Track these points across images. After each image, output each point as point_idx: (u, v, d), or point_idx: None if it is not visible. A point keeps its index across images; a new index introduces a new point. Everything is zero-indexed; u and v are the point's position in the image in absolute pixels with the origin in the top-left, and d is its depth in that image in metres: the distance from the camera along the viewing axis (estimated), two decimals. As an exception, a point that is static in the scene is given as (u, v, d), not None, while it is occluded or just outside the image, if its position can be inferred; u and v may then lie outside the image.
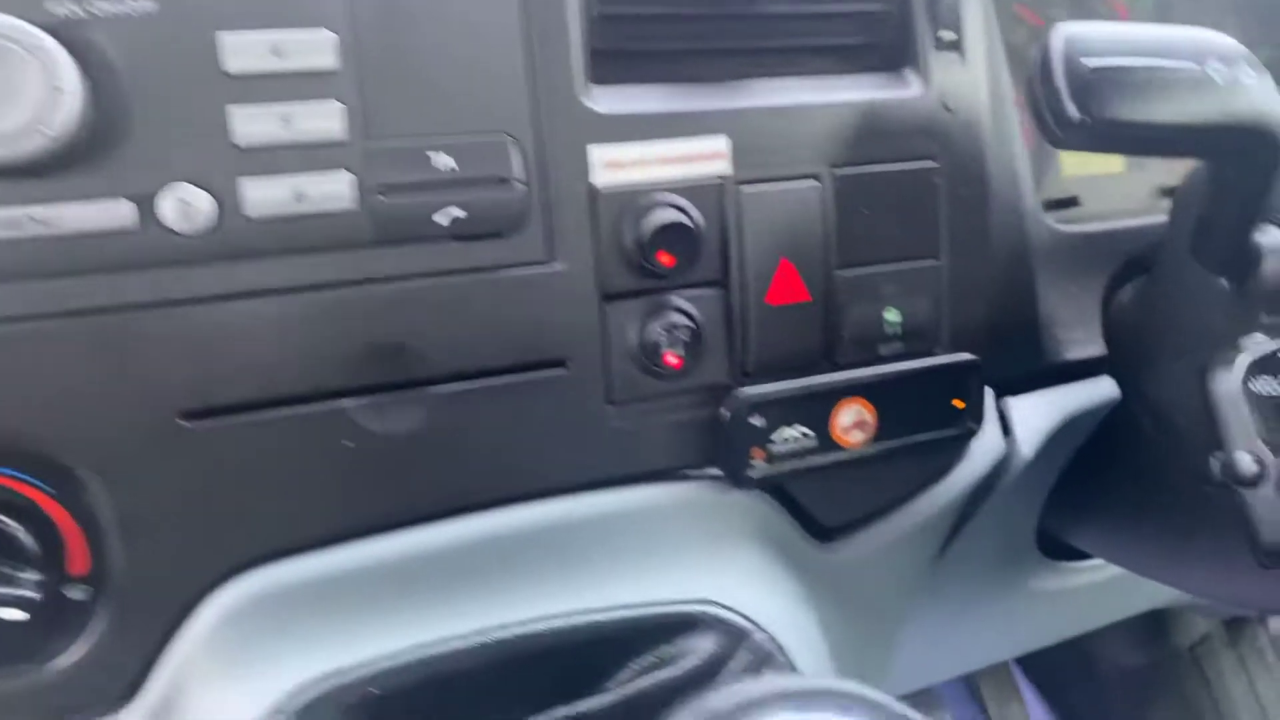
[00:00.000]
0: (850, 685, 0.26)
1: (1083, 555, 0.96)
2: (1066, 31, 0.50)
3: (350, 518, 0.50)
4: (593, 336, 0.52)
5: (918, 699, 1.53)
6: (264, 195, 0.46)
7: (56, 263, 0.44)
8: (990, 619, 1.04)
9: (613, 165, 0.52)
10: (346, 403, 0.49)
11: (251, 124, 0.45)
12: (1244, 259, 0.59)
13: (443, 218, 0.49)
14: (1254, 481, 0.50)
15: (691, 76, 0.55)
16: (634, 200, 0.52)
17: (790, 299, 0.56)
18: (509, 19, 0.49)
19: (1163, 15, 0.88)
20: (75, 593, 0.48)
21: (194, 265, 0.45)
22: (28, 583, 0.45)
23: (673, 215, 0.52)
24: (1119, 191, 0.83)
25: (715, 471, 0.57)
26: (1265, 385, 0.50)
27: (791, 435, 0.56)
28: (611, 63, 0.52)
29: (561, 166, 0.51)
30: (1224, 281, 0.61)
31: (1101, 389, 0.71)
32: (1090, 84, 0.49)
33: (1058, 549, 0.94)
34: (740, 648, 0.51)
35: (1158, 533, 0.72)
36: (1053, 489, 0.82)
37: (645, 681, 0.51)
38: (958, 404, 0.60)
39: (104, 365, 0.45)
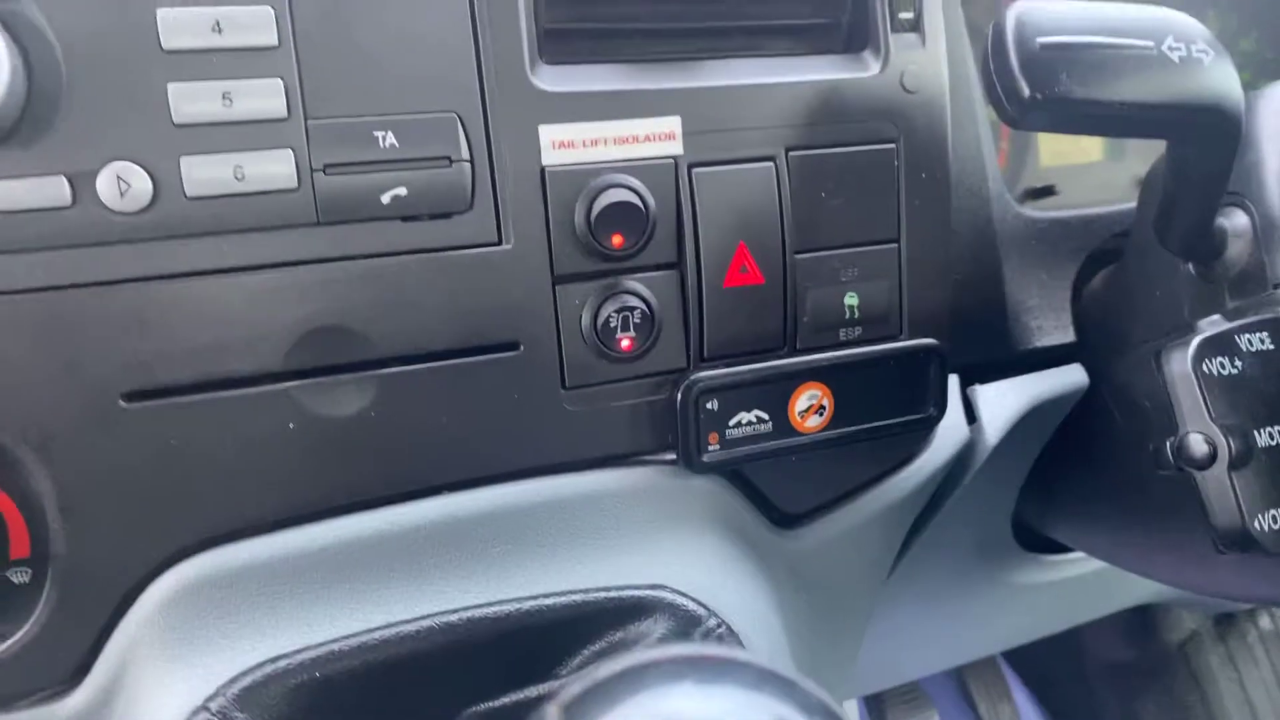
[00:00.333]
0: (757, 659, 0.25)
1: (1063, 548, 0.95)
2: (1019, 9, 0.50)
3: (296, 501, 0.49)
4: (545, 319, 0.52)
5: (907, 697, 1.53)
6: (204, 174, 0.45)
7: (-9, 240, 0.43)
8: (970, 612, 1.03)
9: (563, 145, 0.51)
10: (290, 384, 0.48)
11: (191, 102, 0.45)
12: (1207, 242, 0.58)
13: (388, 197, 0.48)
14: (1206, 464, 0.49)
15: (644, 56, 0.54)
16: (584, 180, 0.51)
17: (747, 282, 0.55)
18: None
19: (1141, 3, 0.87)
20: (16, 576, 0.47)
21: (133, 244, 0.45)
22: (-36, 566, 0.44)
23: (623, 195, 0.51)
24: (1097, 180, 0.82)
25: (671, 456, 0.56)
26: (1217, 366, 0.50)
27: (747, 420, 0.55)
28: (562, 41, 0.52)
29: (510, 146, 0.50)
30: (1189, 267, 0.61)
31: (1071, 377, 0.70)
32: (1042, 61, 0.49)
33: (1036, 541, 0.93)
34: (693, 632, 0.51)
35: (1127, 522, 0.72)
36: (1027, 480, 0.81)
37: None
38: (919, 390, 0.60)
39: (42, 345, 0.44)
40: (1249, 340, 0.50)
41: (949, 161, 0.60)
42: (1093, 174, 0.82)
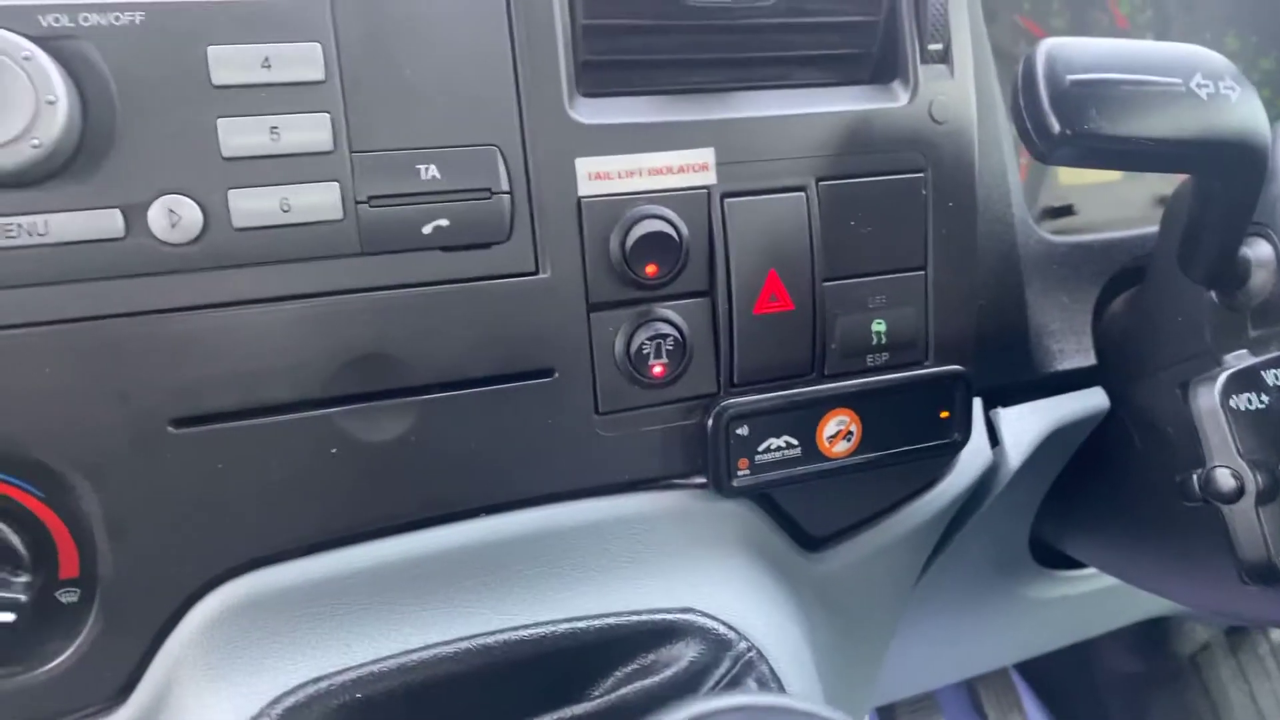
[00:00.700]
0: (805, 703, 0.26)
1: (1078, 563, 0.96)
2: (1049, 46, 0.51)
3: (337, 524, 0.50)
4: (580, 346, 0.53)
5: (917, 705, 1.53)
6: (251, 206, 0.46)
7: (46, 272, 0.44)
8: (987, 625, 1.04)
9: (599, 176, 0.52)
10: (333, 410, 0.49)
11: (239, 135, 0.46)
12: (1230, 272, 0.59)
13: (429, 228, 0.49)
14: (1233, 498, 0.50)
15: (678, 87, 0.55)
16: (620, 211, 0.52)
17: (777, 309, 0.56)
18: (497, 31, 0.50)
19: (1163, 27, 0.88)
20: (65, 596, 0.48)
21: (182, 275, 0.46)
22: (18, 585, 0.46)
23: (658, 226, 0.52)
24: (1115, 200, 0.83)
25: (701, 480, 0.57)
26: (1243, 401, 0.51)
27: (777, 445, 0.56)
28: (598, 74, 0.53)
29: (548, 177, 0.51)
30: (1211, 294, 0.62)
31: (1092, 400, 0.71)
32: (1072, 98, 0.50)
33: (1052, 557, 0.94)
34: (723, 656, 0.52)
35: (1145, 543, 0.73)
36: (1045, 497, 0.82)
37: (628, 690, 0.51)
38: (944, 415, 0.60)
39: (94, 373, 0.45)
40: (1275, 375, 0.51)
41: (976, 190, 0.61)
42: (1110, 194, 0.83)
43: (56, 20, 0.43)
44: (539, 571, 0.54)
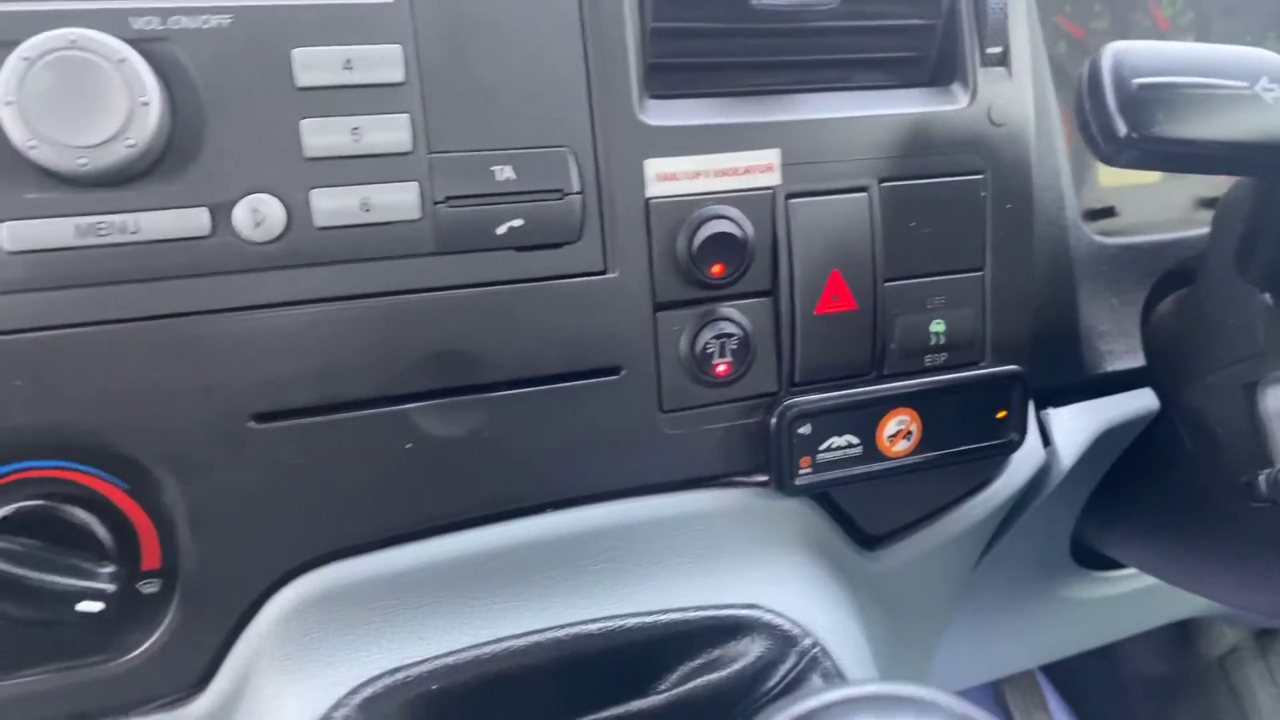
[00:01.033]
0: (927, 690, 0.26)
1: (1116, 564, 0.96)
2: (1115, 49, 0.51)
3: (410, 518, 0.51)
4: (645, 345, 0.54)
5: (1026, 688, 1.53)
6: (333, 205, 0.47)
7: (135, 269, 0.45)
8: (1023, 626, 1.04)
9: (666, 177, 0.53)
10: (409, 407, 0.50)
11: (322, 136, 0.47)
12: None
13: (503, 228, 0.50)
14: (1303, 497, 0.50)
15: (742, 89, 0.56)
16: (686, 211, 0.53)
17: (838, 309, 0.57)
18: (569, 34, 0.50)
19: (1204, 29, 0.88)
20: (147, 587, 0.49)
21: (264, 272, 0.47)
22: (104, 576, 0.47)
23: (724, 226, 0.53)
24: (1156, 202, 0.83)
25: (763, 478, 0.58)
26: (1313, 402, 0.51)
27: (838, 444, 0.57)
28: (665, 76, 0.54)
29: (617, 178, 0.52)
30: (1266, 296, 0.62)
31: (1141, 401, 0.71)
32: (1139, 101, 0.50)
33: (1091, 558, 0.94)
34: (789, 652, 0.52)
35: (1193, 544, 0.73)
36: (1089, 499, 0.82)
37: (695, 684, 0.52)
38: (1001, 415, 0.61)
39: (179, 368, 0.46)
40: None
41: (1033, 192, 0.62)
42: (1151, 196, 0.83)
43: (148, 23, 0.44)
44: (605, 567, 0.55)
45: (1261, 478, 0.52)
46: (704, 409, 0.55)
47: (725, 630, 0.53)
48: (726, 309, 0.55)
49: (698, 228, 0.53)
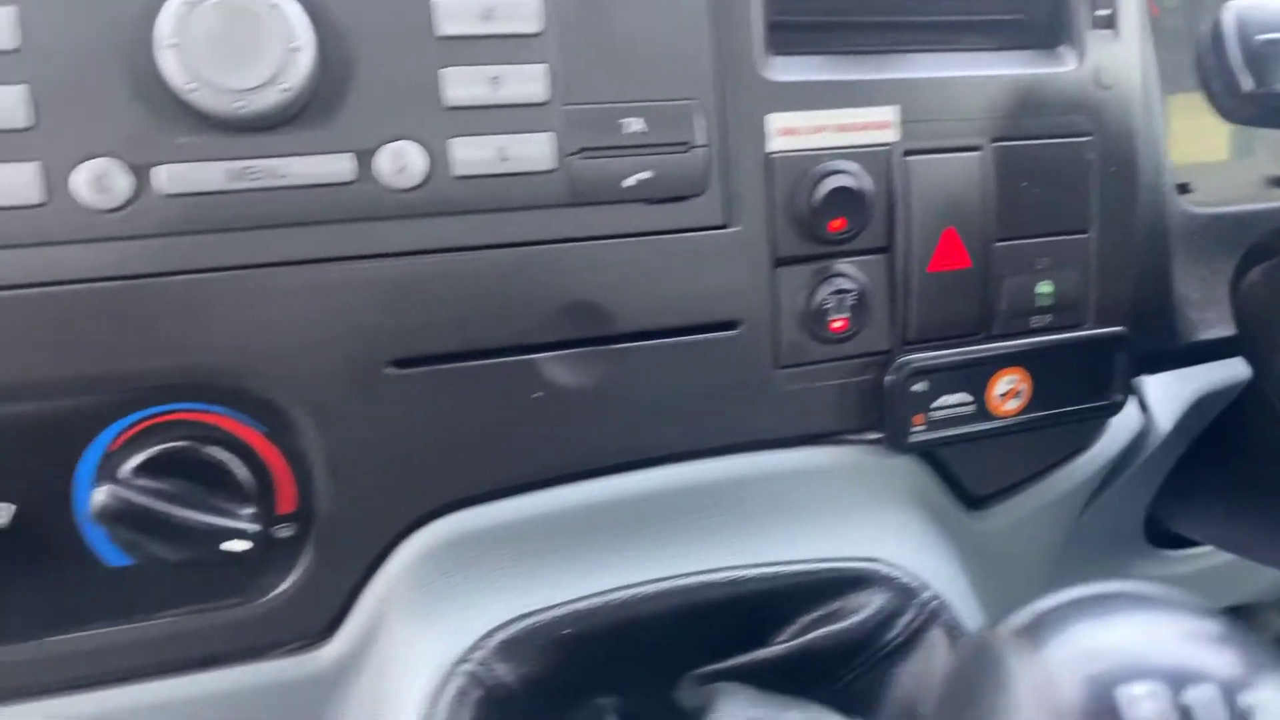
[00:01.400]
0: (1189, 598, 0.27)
1: (1185, 544, 0.96)
2: (1239, 6, 0.51)
3: (537, 467, 0.52)
4: (764, 300, 0.54)
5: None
6: (471, 155, 0.48)
7: (281, 214, 0.46)
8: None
9: (787, 132, 0.53)
10: (538, 356, 0.51)
11: (461, 86, 0.47)
12: None
13: (633, 180, 0.50)
14: None
15: (858, 48, 0.56)
16: (807, 166, 0.53)
17: (951, 267, 0.57)
18: None
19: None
20: (282, 531, 0.50)
21: (404, 220, 0.48)
22: (245, 516, 0.47)
23: (845, 180, 0.53)
24: (1227, 180, 0.83)
25: (873, 436, 0.58)
26: None
27: (950, 402, 0.57)
28: (786, 35, 0.54)
29: (740, 133, 0.52)
30: None
31: (1232, 370, 0.72)
32: (1262, 57, 0.50)
33: (1162, 537, 0.94)
34: (909, 604, 0.53)
35: (1285, 515, 0.73)
36: (1168, 473, 0.82)
37: (817, 634, 0.52)
38: (1106, 377, 0.61)
39: (321, 313, 0.47)
40: None
41: (1138, 156, 0.62)
42: (1223, 173, 0.83)
43: None
44: (722, 519, 0.55)
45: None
46: (819, 365, 0.56)
47: (846, 583, 0.53)
48: (843, 265, 0.55)
49: (819, 182, 0.53)
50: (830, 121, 0.54)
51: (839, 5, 0.55)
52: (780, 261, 0.54)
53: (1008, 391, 0.59)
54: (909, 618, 0.53)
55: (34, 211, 0.43)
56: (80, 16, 0.43)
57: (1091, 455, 0.65)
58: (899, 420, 0.56)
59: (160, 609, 0.49)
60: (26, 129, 0.43)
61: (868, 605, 0.53)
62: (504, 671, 0.48)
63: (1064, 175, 0.59)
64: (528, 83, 0.48)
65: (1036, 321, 0.60)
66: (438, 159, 0.47)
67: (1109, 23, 0.60)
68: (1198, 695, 0.24)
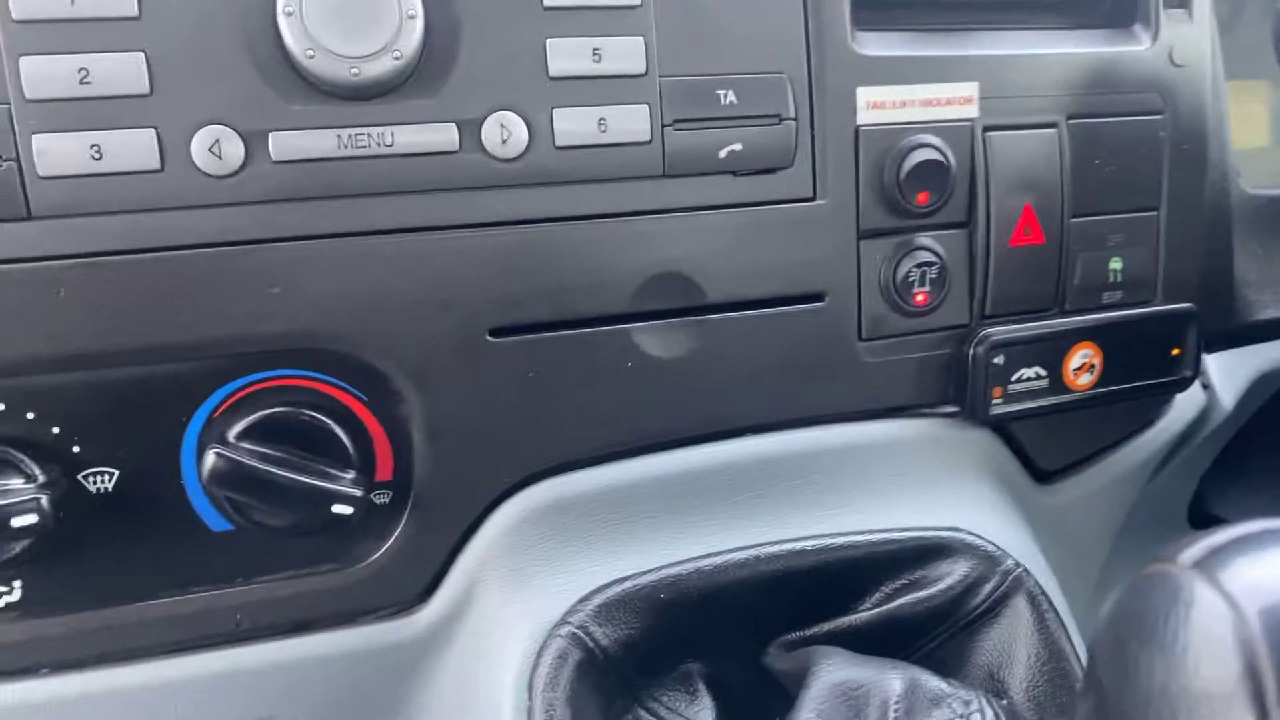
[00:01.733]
0: None
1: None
2: None
3: (629, 435, 0.52)
4: (849, 272, 0.55)
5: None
6: (572, 126, 0.48)
7: (388, 182, 0.46)
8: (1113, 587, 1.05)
9: (875, 106, 0.54)
10: (631, 326, 0.51)
11: (565, 57, 0.48)
12: None
13: (725, 152, 0.51)
14: None
15: (939, 25, 0.57)
16: (893, 140, 0.54)
17: (1030, 242, 0.58)
18: None
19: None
20: (379, 498, 0.51)
21: (506, 190, 0.48)
22: (347, 481, 0.48)
23: (931, 154, 0.54)
24: (1270, 167, 0.84)
25: (950, 409, 0.59)
26: None
27: (1028, 375, 0.58)
28: (872, 10, 0.55)
29: (829, 106, 0.53)
30: None
31: None
32: None
33: (1204, 520, 0.95)
34: (993, 571, 0.53)
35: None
36: (1216, 457, 0.83)
37: (902, 601, 0.53)
38: (1175, 352, 0.62)
39: (424, 281, 0.48)
40: None
41: (1208, 135, 0.63)
42: (1266, 160, 0.84)
43: None
44: (806, 490, 0.56)
45: None
46: (901, 338, 0.57)
47: (929, 551, 0.54)
48: (924, 239, 0.56)
49: (906, 155, 0.54)
50: (915, 96, 0.55)
51: (921, -17, 0.56)
52: (865, 234, 0.55)
53: (1081, 365, 0.59)
54: (993, 585, 0.53)
55: (150, 177, 0.44)
56: None
57: (1156, 431, 0.66)
58: (979, 393, 0.57)
59: (260, 574, 0.50)
60: (143, 96, 0.43)
61: (951, 573, 0.53)
62: (602, 635, 0.49)
63: (1137, 152, 0.60)
64: (627, 54, 0.49)
65: (1108, 297, 0.61)
66: (539, 130, 0.48)
67: (1182, 2, 0.61)
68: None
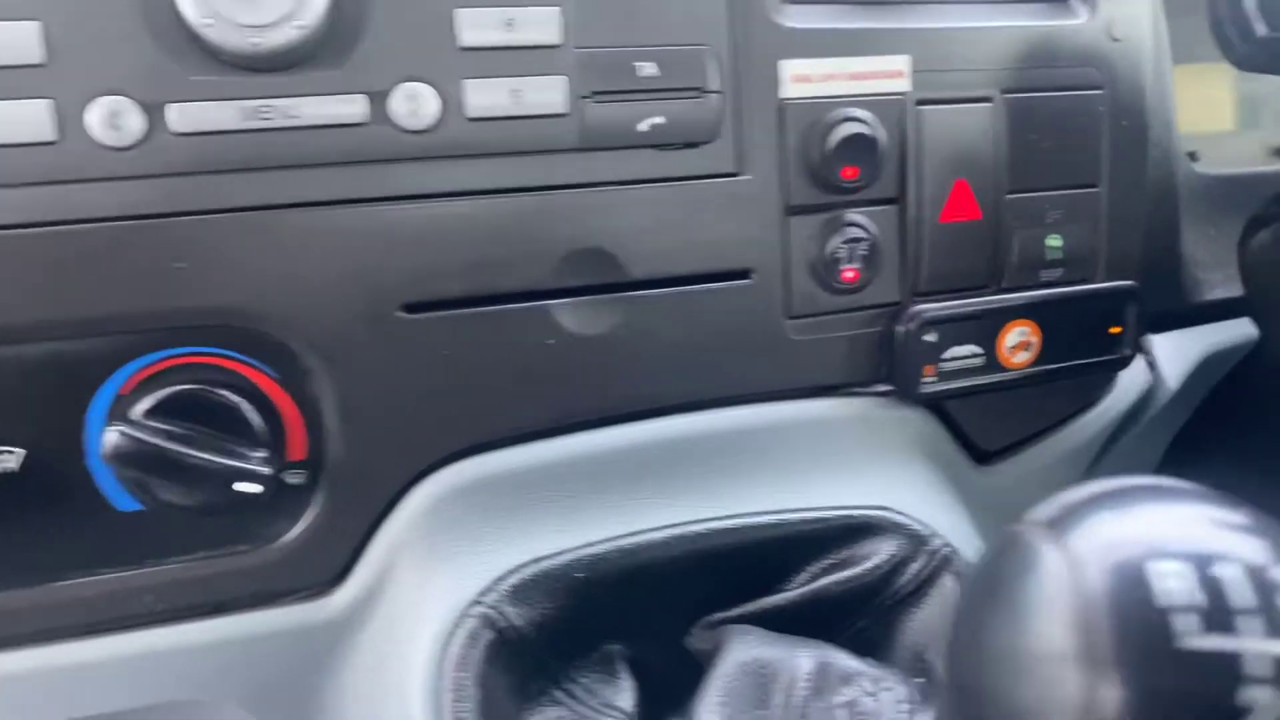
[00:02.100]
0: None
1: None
2: None
3: (549, 414, 0.52)
4: (776, 249, 0.54)
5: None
6: (484, 98, 0.47)
7: (294, 155, 0.46)
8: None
9: (800, 79, 0.53)
10: (550, 303, 0.50)
11: (476, 28, 0.47)
12: None
13: (646, 125, 0.50)
14: None
15: (870, -1, 0.56)
16: (819, 114, 0.53)
17: (963, 218, 0.57)
18: None
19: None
20: (292, 478, 0.50)
21: (416, 163, 0.47)
22: (256, 459, 0.47)
23: (858, 128, 0.53)
24: (1232, 151, 0.83)
25: (882, 388, 0.58)
26: None
27: (961, 354, 0.57)
28: (799, -18, 0.54)
29: (753, 79, 0.52)
30: None
31: (1240, 330, 0.72)
32: (1276, 1, 0.50)
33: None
34: (920, 551, 0.53)
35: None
36: (1175, 434, 0.82)
37: (828, 580, 0.52)
38: (1115, 330, 0.61)
39: (333, 256, 0.47)
40: None
41: (1148, 111, 0.62)
42: (1229, 143, 0.83)
43: None
44: (733, 469, 0.55)
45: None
46: (830, 316, 0.56)
47: (856, 530, 0.53)
48: (854, 215, 0.55)
49: (831, 129, 0.53)
50: (843, 70, 0.54)
51: (851, -46, 0.55)
52: (792, 210, 0.54)
53: (1018, 344, 0.59)
54: (920, 565, 0.53)
55: (46, 149, 0.43)
56: None
57: (1099, 412, 0.65)
58: (909, 371, 0.56)
59: (170, 555, 0.49)
60: (39, 65, 0.42)
61: (878, 552, 0.53)
62: (515, 615, 0.48)
63: (1075, 128, 0.59)
64: (542, 25, 0.48)
65: (1047, 275, 0.60)
66: (451, 101, 0.47)
67: (1121, -25, 0.60)
68: (1224, 571, 0.24)
